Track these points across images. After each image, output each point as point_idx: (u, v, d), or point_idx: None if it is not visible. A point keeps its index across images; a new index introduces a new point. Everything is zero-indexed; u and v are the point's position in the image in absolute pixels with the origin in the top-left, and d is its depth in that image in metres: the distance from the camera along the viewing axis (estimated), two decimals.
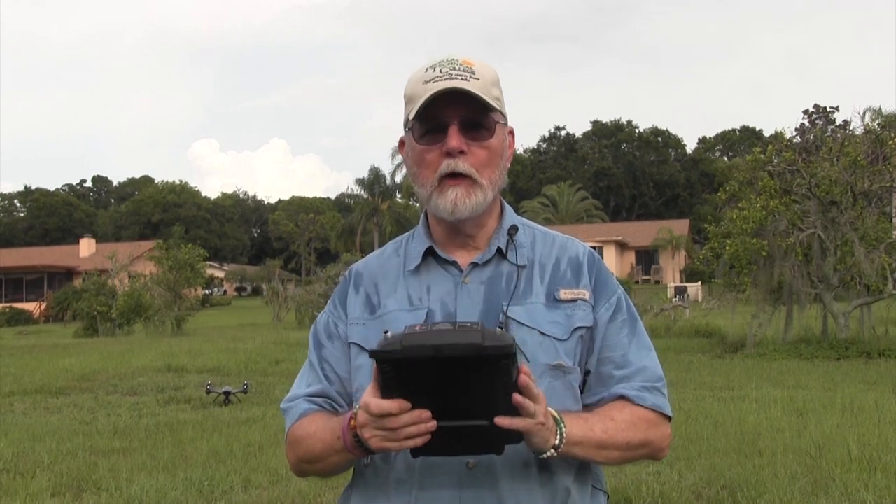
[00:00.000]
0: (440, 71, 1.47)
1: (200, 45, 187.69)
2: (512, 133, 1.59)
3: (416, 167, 1.52)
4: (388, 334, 1.22)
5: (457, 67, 1.47)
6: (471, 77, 1.46)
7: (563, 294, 1.52)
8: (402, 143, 1.58)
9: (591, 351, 1.52)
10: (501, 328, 1.22)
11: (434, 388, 1.23)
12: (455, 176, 1.48)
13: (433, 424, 1.24)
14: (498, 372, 1.21)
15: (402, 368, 1.21)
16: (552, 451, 1.35)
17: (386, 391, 1.25)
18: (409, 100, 1.50)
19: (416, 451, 1.29)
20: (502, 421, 1.24)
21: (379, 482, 1.48)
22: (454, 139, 1.46)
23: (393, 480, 1.46)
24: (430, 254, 1.56)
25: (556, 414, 1.36)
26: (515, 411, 1.26)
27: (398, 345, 1.19)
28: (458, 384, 1.22)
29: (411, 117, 1.49)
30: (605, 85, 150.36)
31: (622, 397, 1.49)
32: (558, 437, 1.35)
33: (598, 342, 1.52)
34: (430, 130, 1.49)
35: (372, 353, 1.21)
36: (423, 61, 1.52)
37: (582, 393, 1.52)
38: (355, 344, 1.54)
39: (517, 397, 1.24)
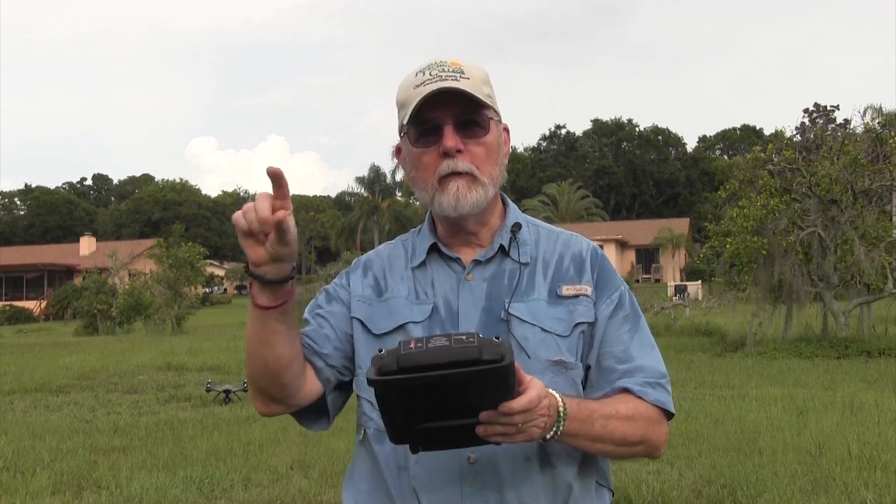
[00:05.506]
0: (430, 74, 1.47)
1: (199, 44, 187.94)
2: (507, 130, 1.59)
3: (415, 171, 1.53)
4: (382, 352, 1.22)
5: (446, 69, 1.47)
6: (461, 77, 1.47)
7: (566, 290, 1.52)
8: (398, 149, 1.59)
9: (591, 346, 1.52)
10: (498, 338, 1.22)
11: (433, 400, 1.23)
12: (455, 175, 1.48)
13: None
14: (496, 380, 1.22)
15: (401, 392, 1.21)
16: (541, 440, 1.35)
17: (384, 408, 1.26)
18: (401, 105, 1.51)
19: (414, 448, 1.30)
20: (479, 430, 1.25)
21: (382, 479, 1.48)
22: (450, 139, 1.47)
23: (395, 476, 1.46)
24: (434, 250, 1.57)
25: (561, 409, 1.35)
26: None
27: (394, 365, 1.19)
28: (456, 394, 1.23)
29: (405, 122, 1.50)
30: (605, 83, 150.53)
31: (625, 390, 1.49)
32: (552, 433, 1.35)
33: (599, 337, 1.52)
34: (425, 133, 1.49)
35: (370, 382, 1.21)
36: (418, 63, 1.53)
37: (584, 389, 1.52)
38: (358, 320, 1.55)
39: (503, 406, 1.24)
